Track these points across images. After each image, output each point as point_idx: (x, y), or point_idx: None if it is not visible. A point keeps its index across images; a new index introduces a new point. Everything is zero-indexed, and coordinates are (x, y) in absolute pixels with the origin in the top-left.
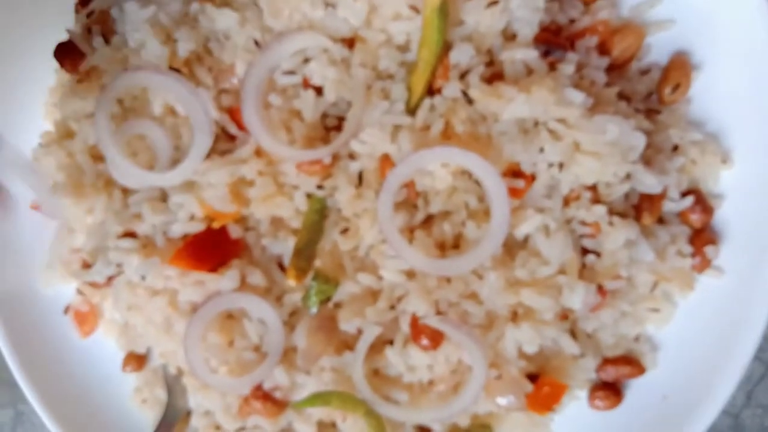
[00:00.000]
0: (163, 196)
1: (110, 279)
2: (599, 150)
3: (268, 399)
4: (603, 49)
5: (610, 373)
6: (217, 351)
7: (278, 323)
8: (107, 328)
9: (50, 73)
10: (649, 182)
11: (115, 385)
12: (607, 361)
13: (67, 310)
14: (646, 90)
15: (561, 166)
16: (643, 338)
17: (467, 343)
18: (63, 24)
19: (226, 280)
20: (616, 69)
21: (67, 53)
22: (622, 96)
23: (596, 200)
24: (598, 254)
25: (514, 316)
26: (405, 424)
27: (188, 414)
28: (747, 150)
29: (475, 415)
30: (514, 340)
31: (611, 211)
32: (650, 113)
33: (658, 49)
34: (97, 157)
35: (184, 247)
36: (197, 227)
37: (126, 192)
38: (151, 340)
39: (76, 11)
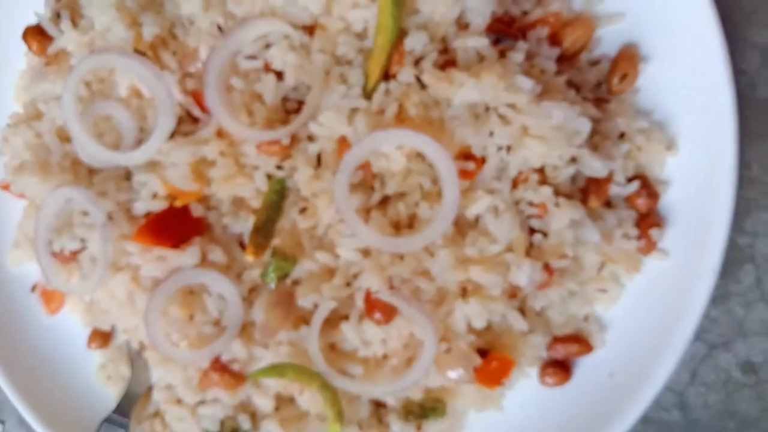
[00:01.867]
0: (128, 175)
1: (74, 254)
2: (545, 134)
3: (226, 371)
4: (554, 40)
5: (560, 351)
6: (178, 325)
7: (237, 298)
8: (73, 306)
9: (21, 56)
10: (594, 166)
11: (81, 362)
12: (556, 340)
13: (34, 288)
14: (596, 80)
15: (509, 149)
16: (592, 318)
17: (418, 318)
18: (34, 8)
19: (187, 256)
20: (566, 59)
21: (34, 36)
22: (572, 85)
23: (543, 182)
24: (545, 234)
25: (464, 292)
26: (360, 397)
27: (150, 388)
28: (691, 138)
29: (427, 389)
30: (463, 315)
31: (558, 193)
32: (599, 102)
33: (607, 41)
34: (65, 137)
35: (147, 224)
36: (160, 205)
37: (92, 171)
38: (114, 317)
39: None
